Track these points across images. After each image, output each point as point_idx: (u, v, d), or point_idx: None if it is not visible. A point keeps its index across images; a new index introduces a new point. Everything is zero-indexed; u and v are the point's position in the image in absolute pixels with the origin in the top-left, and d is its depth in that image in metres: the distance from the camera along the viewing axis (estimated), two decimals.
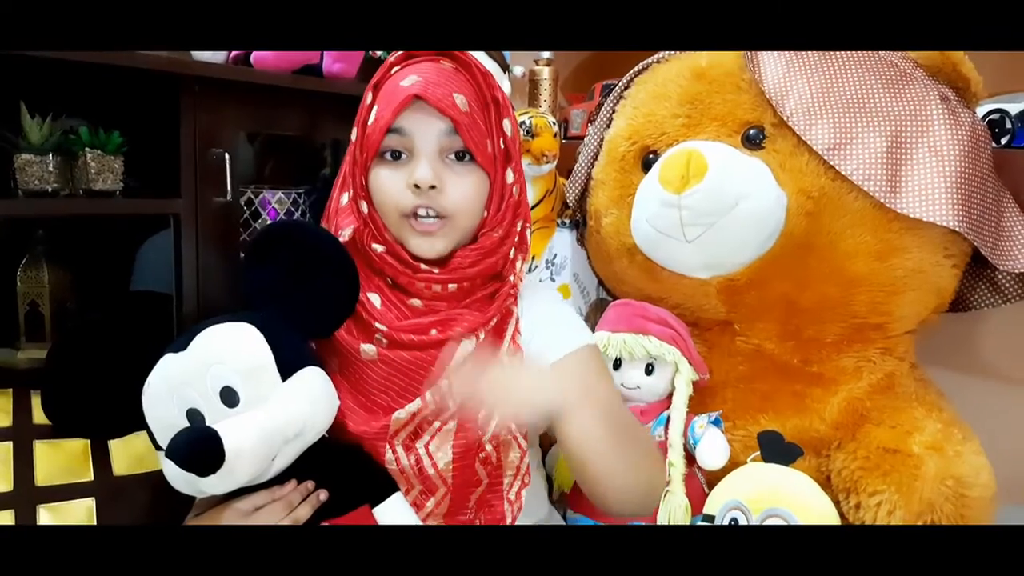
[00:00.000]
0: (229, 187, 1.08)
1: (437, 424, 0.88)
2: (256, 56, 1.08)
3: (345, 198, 0.93)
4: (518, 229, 0.94)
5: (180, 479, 0.77)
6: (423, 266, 0.90)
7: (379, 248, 0.90)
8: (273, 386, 0.80)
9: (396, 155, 0.89)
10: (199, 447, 0.73)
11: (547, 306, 1.00)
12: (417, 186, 0.86)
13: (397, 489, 0.87)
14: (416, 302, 0.90)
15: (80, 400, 0.84)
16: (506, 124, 0.91)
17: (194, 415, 0.78)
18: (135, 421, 0.82)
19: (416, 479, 0.88)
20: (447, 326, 0.89)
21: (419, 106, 0.86)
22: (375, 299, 0.90)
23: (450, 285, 0.90)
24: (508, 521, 0.91)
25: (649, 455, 0.91)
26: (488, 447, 0.90)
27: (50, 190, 0.96)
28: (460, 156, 0.89)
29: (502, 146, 0.91)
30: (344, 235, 0.91)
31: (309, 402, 0.81)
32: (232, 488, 0.79)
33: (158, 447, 0.80)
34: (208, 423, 0.77)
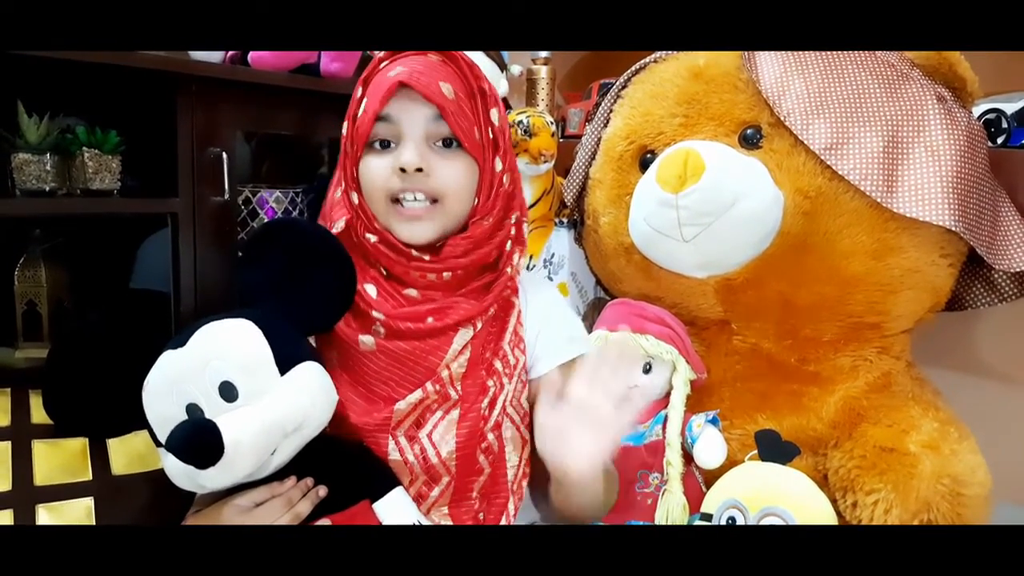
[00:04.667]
0: (227, 186, 1.08)
1: (440, 413, 0.89)
2: (253, 55, 1.08)
3: (338, 193, 0.95)
4: (512, 222, 0.95)
5: (180, 474, 0.77)
6: (414, 252, 0.90)
7: (372, 238, 0.91)
8: (271, 381, 0.80)
9: (385, 144, 0.90)
10: (198, 439, 0.74)
11: (552, 307, 1.03)
12: (403, 170, 0.87)
13: (398, 484, 0.88)
14: (412, 292, 0.92)
15: (82, 399, 0.84)
16: (493, 114, 0.92)
17: (193, 410, 0.78)
18: (136, 419, 0.82)
19: (420, 469, 0.88)
20: (443, 315, 0.90)
21: (405, 94, 0.87)
22: (371, 290, 0.91)
23: (444, 274, 0.91)
24: (511, 511, 0.92)
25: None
26: (490, 436, 0.91)
27: (47, 189, 0.96)
28: (447, 143, 0.90)
29: (490, 135, 0.92)
30: (337, 227, 0.92)
31: (307, 396, 0.82)
32: (232, 483, 0.79)
33: (158, 444, 0.81)
34: (207, 418, 0.77)
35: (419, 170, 0.87)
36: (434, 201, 0.90)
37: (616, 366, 0.80)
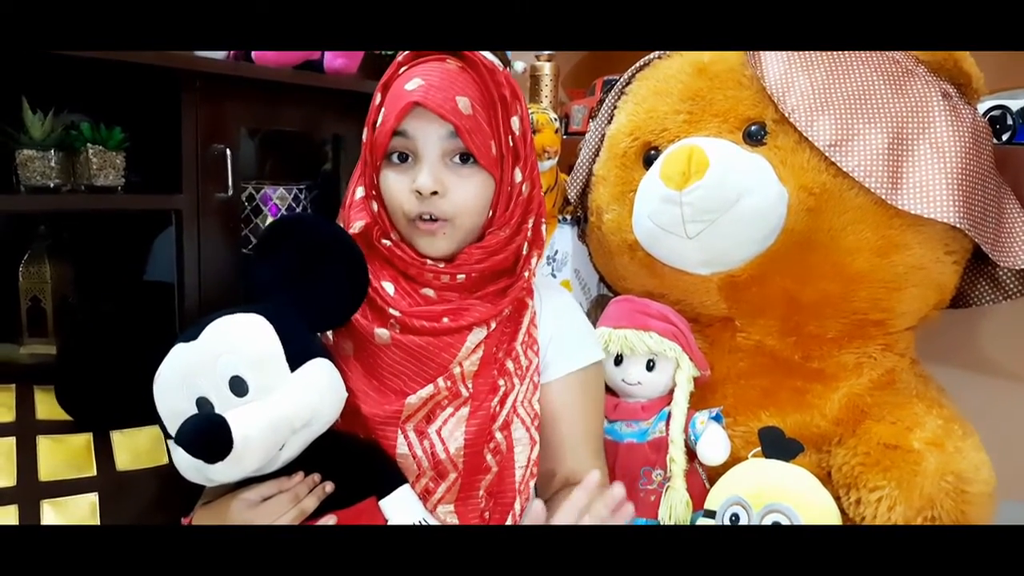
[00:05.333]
0: (230, 183, 1.08)
1: (450, 409, 0.90)
2: (257, 52, 1.08)
3: (360, 192, 0.95)
4: (530, 225, 0.95)
5: (190, 467, 0.77)
6: (429, 262, 0.91)
7: (388, 243, 0.92)
8: (282, 376, 0.80)
9: (403, 157, 0.90)
10: (207, 433, 0.74)
11: (566, 313, 1.03)
12: (419, 192, 0.88)
13: (405, 481, 0.88)
14: (429, 292, 0.92)
15: (94, 391, 0.84)
16: (514, 122, 0.91)
17: (203, 404, 0.78)
18: (148, 412, 0.82)
19: (428, 464, 0.89)
20: (459, 315, 0.91)
21: (422, 110, 0.87)
22: (389, 287, 0.92)
23: (458, 276, 0.92)
24: (517, 511, 0.92)
25: None
26: (498, 435, 0.91)
27: (52, 186, 0.96)
28: (464, 158, 0.89)
29: (510, 144, 0.91)
30: (355, 228, 0.92)
31: (317, 392, 0.82)
32: (240, 477, 0.80)
33: (168, 436, 0.81)
34: (217, 412, 0.77)
35: (434, 193, 0.88)
36: (446, 220, 0.90)
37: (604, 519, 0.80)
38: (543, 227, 0.97)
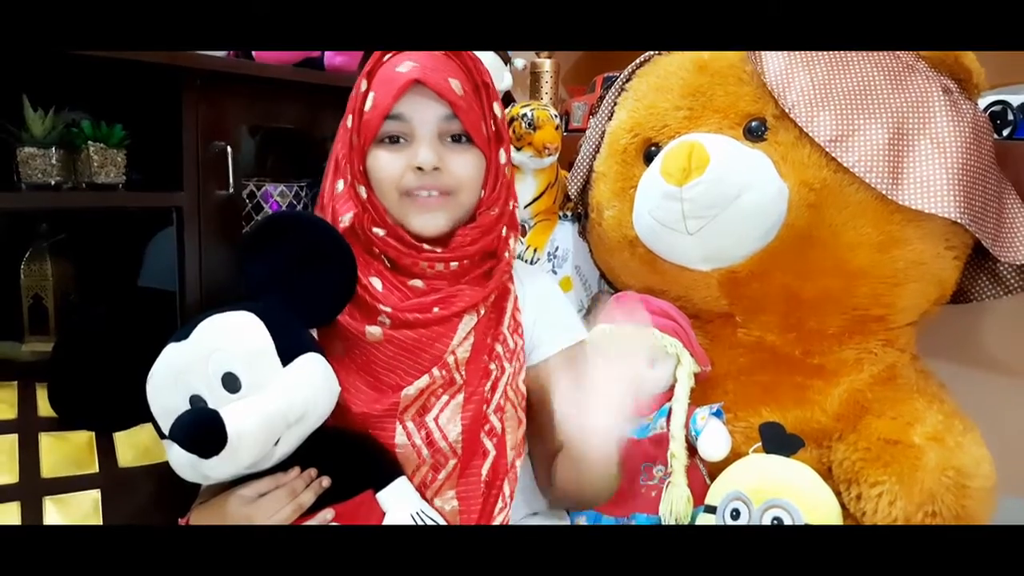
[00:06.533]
0: (231, 180, 1.08)
1: (446, 397, 0.91)
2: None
3: (340, 185, 0.95)
4: (510, 208, 0.99)
5: (185, 465, 0.78)
6: (426, 247, 0.92)
7: (380, 232, 0.92)
8: (274, 371, 0.81)
9: (394, 139, 0.92)
10: (201, 427, 0.74)
11: (548, 295, 1.06)
12: (420, 168, 0.89)
13: (401, 474, 0.88)
14: (417, 283, 0.93)
15: (86, 393, 0.84)
16: (495, 107, 0.95)
17: (197, 402, 0.79)
18: (140, 413, 0.82)
19: (427, 452, 0.90)
20: (449, 303, 0.92)
21: (417, 91, 0.89)
22: (376, 283, 0.92)
23: (452, 263, 0.93)
24: (507, 492, 0.93)
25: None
26: (493, 418, 0.93)
27: (53, 183, 0.96)
28: (456, 138, 0.92)
29: (494, 128, 0.95)
30: (344, 221, 0.92)
31: (310, 387, 0.82)
32: (236, 473, 0.80)
33: (163, 436, 0.81)
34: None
35: (436, 168, 0.90)
36: (447, 193, 0.92)
37: (634, 350, 0.88)
38: (518, 211, 1.01)
